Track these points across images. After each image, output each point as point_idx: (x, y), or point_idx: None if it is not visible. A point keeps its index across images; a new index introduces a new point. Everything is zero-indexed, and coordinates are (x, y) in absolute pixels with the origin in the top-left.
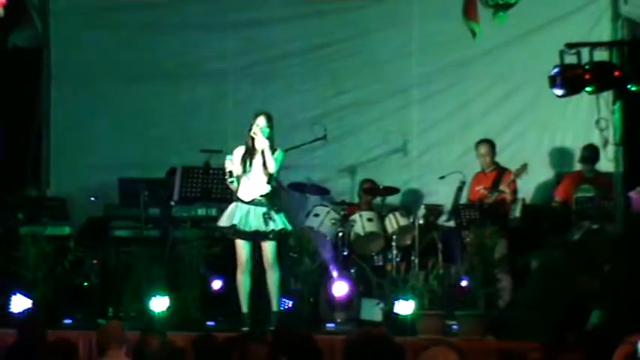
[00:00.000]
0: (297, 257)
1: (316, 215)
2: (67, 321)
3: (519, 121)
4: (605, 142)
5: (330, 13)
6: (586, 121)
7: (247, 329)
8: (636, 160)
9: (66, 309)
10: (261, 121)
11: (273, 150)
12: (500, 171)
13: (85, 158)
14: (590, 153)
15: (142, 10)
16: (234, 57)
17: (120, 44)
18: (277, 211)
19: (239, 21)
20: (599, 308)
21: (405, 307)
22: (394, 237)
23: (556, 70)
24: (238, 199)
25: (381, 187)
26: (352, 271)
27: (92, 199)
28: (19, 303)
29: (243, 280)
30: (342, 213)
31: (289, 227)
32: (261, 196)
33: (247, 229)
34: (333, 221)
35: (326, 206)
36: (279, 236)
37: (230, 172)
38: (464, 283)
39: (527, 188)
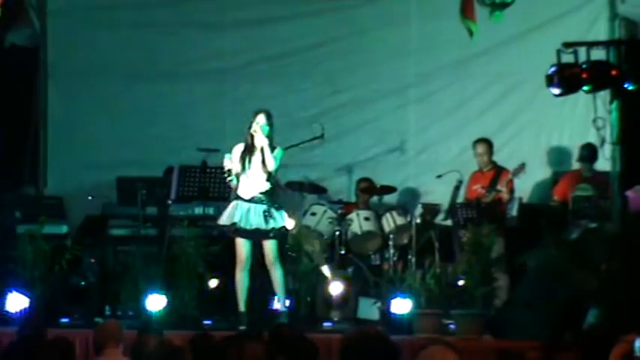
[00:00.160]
0: (295, 256)
1: (313, 214)
2: (65, 320)
3: (516, 120)
4: (603, 142)
5: (327, 12)
6: (583, 120)
7: (244, 328)
8: (633, 159)
9: (63, 308)
10: (261, 119)
11: (272, 148)
12: (498, 170)
13: (82, 157)
14: (589, 152)
15: (139, 8)
16: (232, 56)
17: (118, 43)
18: (277, 209)
19: (237, 20)
20: (597, 307)
21: (402, 306)
22: (391, 236)
23: (553, 69)
24: (238, 197)
25: (378, 186)
26: (349, 270)
27: (89, 197)
28: (16, 301)
29: (242, 279)
30: (339, 212)
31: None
32: (261, 193)
33: (248, 227)
34: (330, 220)
35: (323, 205)
36: (279, 234)
37: (229, 170)
38: (461, 283)
39: (524, 187)
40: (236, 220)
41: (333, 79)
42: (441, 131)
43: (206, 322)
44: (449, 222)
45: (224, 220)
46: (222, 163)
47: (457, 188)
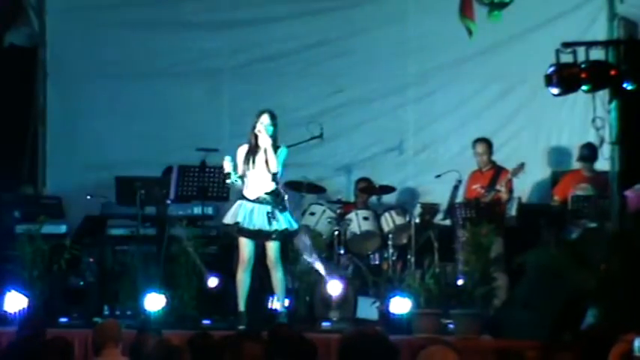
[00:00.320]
0: (294, 256)
1: (312, 214)
2: (63, 319)
3: (515, 119)
4: (602, 141)
5: (325, 11)
6: (582, 120)
7: (244, 328)
8: (632, 159)
9: (62, 307)
10: (265, 119)
11: (276, 148)
12: (497, 170)
13: (81, 157)
14: (589, 152)
15: (138, 8)
16: (230, 55)
17: (116, 43)
18: (282, 210)
19: (235, 19)
20: (596, 307)
21: (401, 306)
22: (390, 236)
23: (552, 68)
24: (243, 197)
25: (377, 185)
26: (348, 269)
27: (88, 197)
28: (14, 301)
29: (244, 278)
30: (338, 212)
31: (295, 226)
32: (266, 193)
33: (251, 227)
34: (329, 220)
35: (322, 205)
36: (282, 237)
37: (228, 173)
38: (460, 282)
39: (522, 187)
40: (239, 219)
41: (331, 79)
42: (440, 131)
43: (205, 321)
44: (448, 222)
45: (228, 219)
46: (221, 163)
47: (456, 188)
